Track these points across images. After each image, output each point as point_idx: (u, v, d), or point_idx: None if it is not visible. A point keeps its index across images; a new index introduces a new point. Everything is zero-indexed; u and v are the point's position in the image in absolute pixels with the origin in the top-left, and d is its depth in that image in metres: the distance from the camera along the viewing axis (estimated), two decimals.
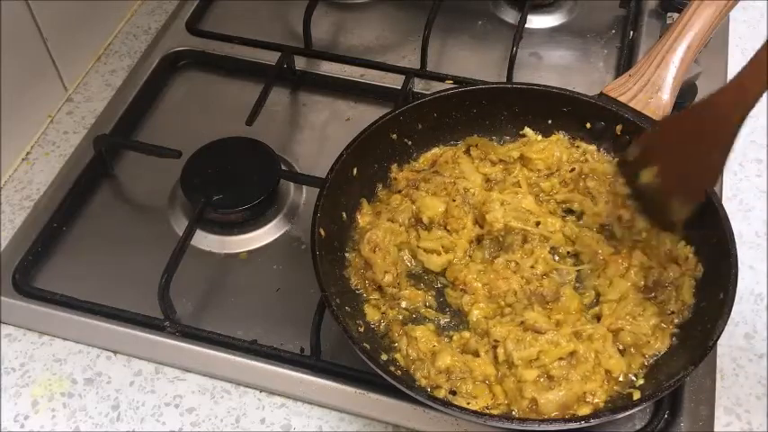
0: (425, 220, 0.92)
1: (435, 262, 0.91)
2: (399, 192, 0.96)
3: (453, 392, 0.81)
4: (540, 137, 1.00)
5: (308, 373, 0.87)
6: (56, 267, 0.98)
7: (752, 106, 0.76)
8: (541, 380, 0.81)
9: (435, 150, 1.00)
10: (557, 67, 1.19)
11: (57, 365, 0.90)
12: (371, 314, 0.88)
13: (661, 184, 0.88)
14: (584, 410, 0.79)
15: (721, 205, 0.86)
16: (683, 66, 0.93)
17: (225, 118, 1.10)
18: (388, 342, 0.86)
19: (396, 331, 0.86)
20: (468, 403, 0.80)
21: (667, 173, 0.87)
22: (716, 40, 1.14)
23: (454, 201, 0.93)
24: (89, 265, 0.98)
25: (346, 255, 0.91)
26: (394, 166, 0.98)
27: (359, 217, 0.94)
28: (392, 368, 0.82)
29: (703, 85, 1.10)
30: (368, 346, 0.82)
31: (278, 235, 1.01)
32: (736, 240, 0.83)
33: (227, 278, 0.97)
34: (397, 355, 0.84)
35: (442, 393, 0.80)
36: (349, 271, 0.90)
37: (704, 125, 0.81)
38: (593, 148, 0.98)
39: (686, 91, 1.07)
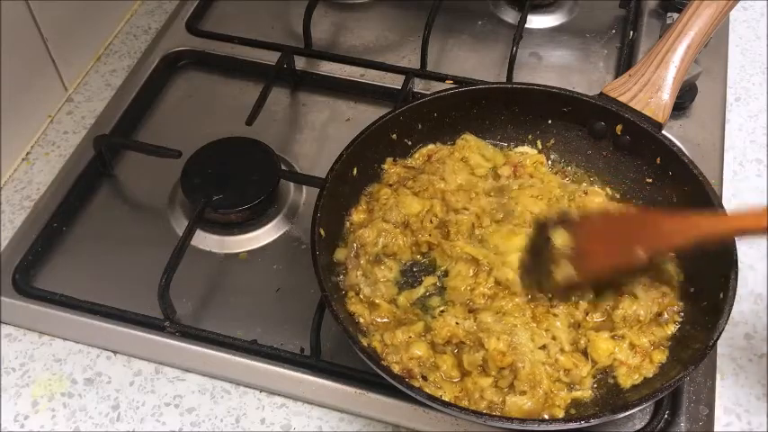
0: (401, 219, 0.92)
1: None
2: (390, 185, 0.96)
3: (424, 378, 0.82)
4: (534, 151, 1.00)
5: (308, 373, 0.87)
6: (56, 267, 0.98)
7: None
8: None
9: (431, 146, 1.00)
10: (557, 67, 1.19)
11: (57, 365, 0.90)
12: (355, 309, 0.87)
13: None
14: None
15: (722, 205, 0.86)
16: (683, 66, 0.93)
17: (225, 118, 1.10)
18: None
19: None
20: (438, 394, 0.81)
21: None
22: (716, 40, 1.14)
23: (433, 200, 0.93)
24: (89, 265, 0.98)
25: (334, 255, 0.91)
26: (389, 160, 0.98)
27: (353, 214, 0.94)
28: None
29: (703, 85, 1.10)
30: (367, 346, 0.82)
31: (278, 235, 1.01)
32: (736, 240, 0.83)
33: (227, 278, 0.97)
34: (374, 343, 0.84)
35: (415, 375, 0.81)
36: (339, 268, 0.90)
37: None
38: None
39: (686, 91, 1.08)
